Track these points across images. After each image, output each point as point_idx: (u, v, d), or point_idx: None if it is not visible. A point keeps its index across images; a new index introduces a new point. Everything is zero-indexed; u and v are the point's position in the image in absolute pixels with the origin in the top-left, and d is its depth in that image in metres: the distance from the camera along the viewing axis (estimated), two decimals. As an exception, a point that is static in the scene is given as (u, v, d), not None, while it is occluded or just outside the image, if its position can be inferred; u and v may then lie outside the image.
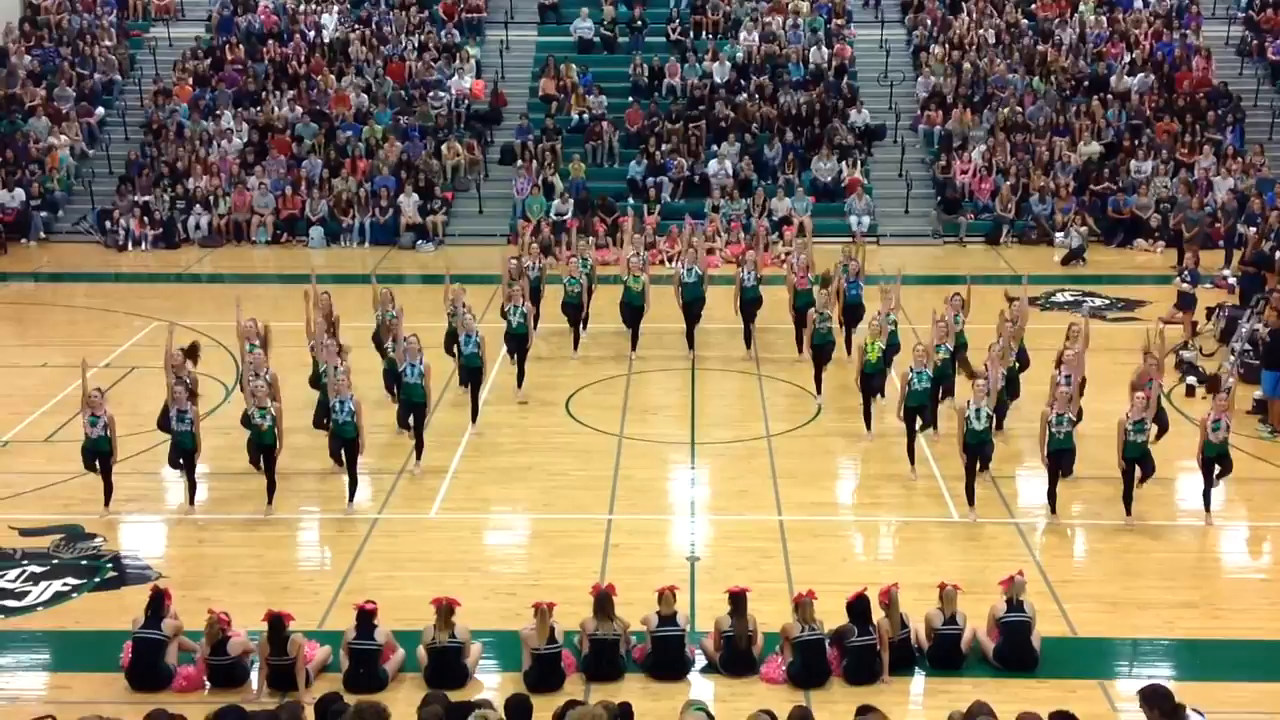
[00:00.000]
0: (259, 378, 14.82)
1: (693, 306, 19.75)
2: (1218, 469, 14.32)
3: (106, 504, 14.56)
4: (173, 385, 14.55)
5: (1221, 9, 33.27)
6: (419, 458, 15.77)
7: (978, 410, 14.31)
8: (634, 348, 19.78)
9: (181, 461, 14.64)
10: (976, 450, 14.49)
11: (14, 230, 27.51)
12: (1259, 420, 17.25)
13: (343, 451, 14.83)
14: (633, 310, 19.73)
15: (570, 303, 19.74)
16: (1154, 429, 14.63)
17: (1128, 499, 14.29)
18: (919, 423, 15.69)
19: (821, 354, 17.90)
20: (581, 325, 20.10)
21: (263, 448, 14.61)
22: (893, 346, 17.30)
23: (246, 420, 14.82)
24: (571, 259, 20.32)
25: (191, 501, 14.73)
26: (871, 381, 16.67)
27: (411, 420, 15.90)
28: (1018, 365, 16.53)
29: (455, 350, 17.30)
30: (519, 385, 18.12)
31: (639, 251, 20.75)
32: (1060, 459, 14.37)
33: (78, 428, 14.88)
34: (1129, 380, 15.27)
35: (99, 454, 14.45)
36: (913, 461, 15.61)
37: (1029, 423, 15.68)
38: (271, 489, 14.58)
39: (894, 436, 16.15)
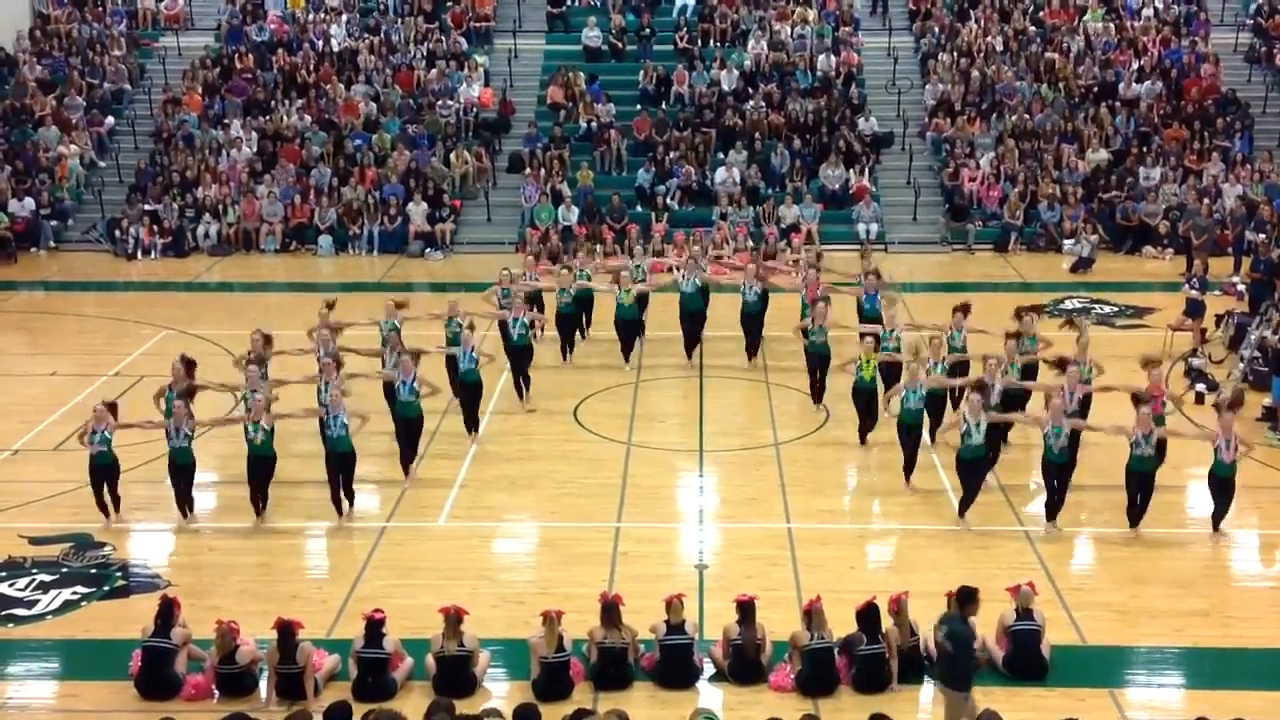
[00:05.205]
0: (256, 392, 14.86)
1: (692, 318, 19.66)
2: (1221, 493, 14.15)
3: (116, 510, 14.62)
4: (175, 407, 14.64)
5: (1230, 16, 33.28)
6: (412, 470, 15.64)
7: (977, 423, 14.27)
8: (626, 360, 19.58)
9: (177, 477, 14.58)
10: (974, 464, 14.43)
11: (24, 239, 27.61)
12: (1268, 428, 17.19)
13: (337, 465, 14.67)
14: (624, 324, 19.55)
15: (564, 313, 19.60)
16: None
17: (1130, 513, 14.19)
18: (917, 436, 15.45)
19: (814, 364, 17.77)
20: (579, 335, 20.04)
21: (256, 460, 14.52)
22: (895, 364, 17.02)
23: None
24: (564, 270, 20.01)
25: (184, 516, 14.65)
26: (862, 396, 16.53)
27: (406, 435, 15.66)
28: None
29: (454, 369, 17.09)
30: (526, 395, 18.12)
31: (638, 264, 20.57)
32: (1056, 472, 14.28)
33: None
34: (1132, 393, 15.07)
35: (108, 468, 14.49)
36: (908, 478, 15.41)
37: (1035, 431, 15.60)
38: (264, 501, 14.56)
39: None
